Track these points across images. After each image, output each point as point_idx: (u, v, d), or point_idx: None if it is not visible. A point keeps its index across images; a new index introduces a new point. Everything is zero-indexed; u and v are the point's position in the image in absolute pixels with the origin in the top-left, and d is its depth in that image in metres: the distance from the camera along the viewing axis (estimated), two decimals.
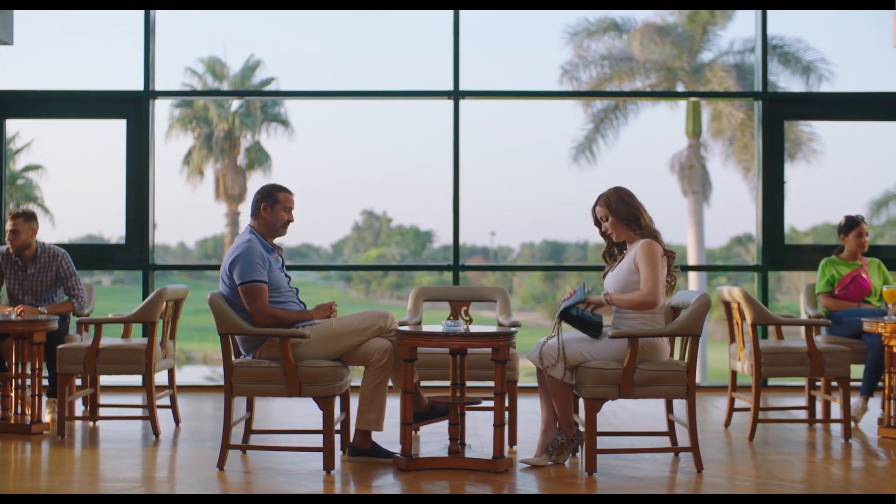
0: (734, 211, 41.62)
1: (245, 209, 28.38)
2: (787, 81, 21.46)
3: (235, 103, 28.14)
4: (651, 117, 41.83)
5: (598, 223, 4.91)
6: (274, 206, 4.88)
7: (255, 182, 28.40)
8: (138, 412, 6.48)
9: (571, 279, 33.41)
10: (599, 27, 22.68)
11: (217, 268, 11.45)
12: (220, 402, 6.98)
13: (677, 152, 24.24)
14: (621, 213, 4.79)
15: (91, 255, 7.76)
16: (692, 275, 23.58)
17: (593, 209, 4.90)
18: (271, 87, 28.19)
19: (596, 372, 4.59)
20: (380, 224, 41.30)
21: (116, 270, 10.66)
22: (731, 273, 31.08)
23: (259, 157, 28.13)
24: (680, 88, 23.47)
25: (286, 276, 4.95)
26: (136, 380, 7.60)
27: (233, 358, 4.74)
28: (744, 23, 25.57)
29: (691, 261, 23.30)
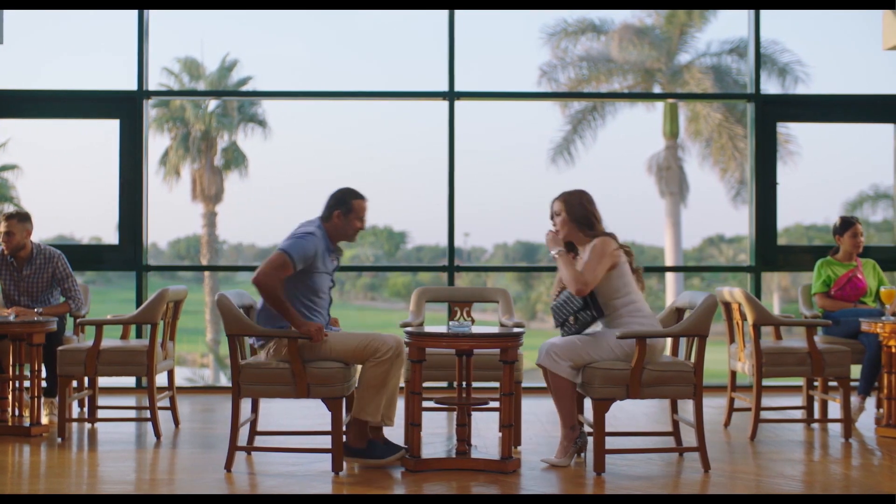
0: (708, 212, 41.86)
1: (222, 209, 28.30)
2: (764, 84, 21.56)
3: (212, 103, 27.98)
4: (628, 118, 41.86)
5: (552, 217, 4.99)
6: (348, 214, 4.81)
7: (232, 182, 28.24)
8: (134, 413, 6.45)
9: (546, 280, 33.48)
10: (578, 28, 22.72)
11: (204, 269, 11.50)
12: (205, 403, 6.98)
13: (655, 153, 24.35)
14: (575, 213, 4.86)
15: (83, 255, 7.66)
16: (669, 276, 23.70)
17: (552, 202, 4.98)
18: (248, 87, 28.02)
19: (604, 372, 4.61)
20: None
21: (109, 271, 10.47)
22: (704, 274, 31.28)
23: (236, 158, 27.95)
24: (657, 90, 23.57)
25: (332, 281, 4.88)
26: (131, 381, 7.55)
27: (240, 359, 4.72)
28: (722, 25, 25.76)
29: (668, 261, 23.42)
